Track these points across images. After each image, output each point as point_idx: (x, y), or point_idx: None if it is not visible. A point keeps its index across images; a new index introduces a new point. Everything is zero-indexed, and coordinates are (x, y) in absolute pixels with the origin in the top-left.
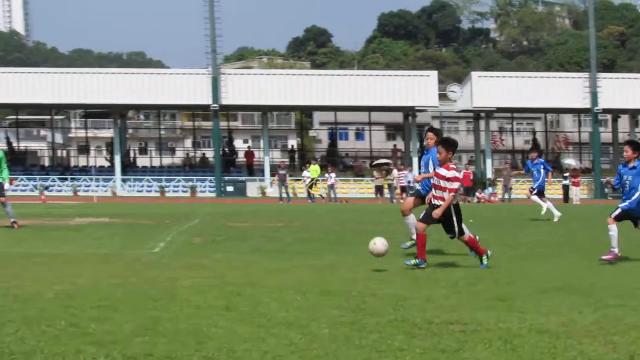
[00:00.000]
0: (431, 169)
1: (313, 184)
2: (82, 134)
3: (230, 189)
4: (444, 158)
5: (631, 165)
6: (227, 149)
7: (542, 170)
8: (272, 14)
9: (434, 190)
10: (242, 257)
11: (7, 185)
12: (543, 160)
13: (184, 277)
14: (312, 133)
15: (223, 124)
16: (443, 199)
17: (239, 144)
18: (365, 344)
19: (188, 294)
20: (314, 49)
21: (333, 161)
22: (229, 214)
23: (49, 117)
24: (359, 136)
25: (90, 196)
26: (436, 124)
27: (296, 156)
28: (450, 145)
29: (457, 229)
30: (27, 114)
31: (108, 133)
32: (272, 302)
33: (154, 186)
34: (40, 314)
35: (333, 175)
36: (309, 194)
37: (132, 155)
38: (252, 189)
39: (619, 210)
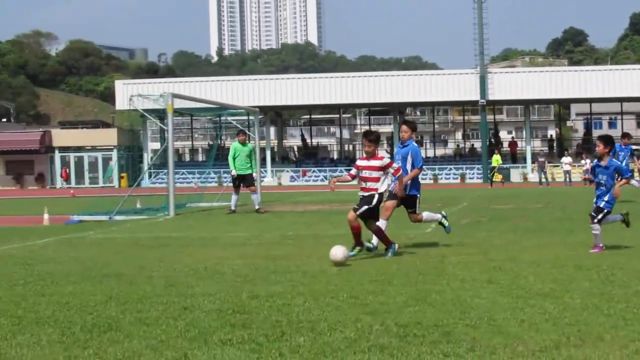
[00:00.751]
0: (408, 165)
1: (494, 172)
2: (366, 129)
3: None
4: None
5: (604, 163)
6: (492, 140)
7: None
8: (533, 17)
9: (363, 183)
10: (503, 236)
11: (255, 175)
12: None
13: (451, 254)
14: (569, 123)
15: (489, 117)
16: (375, 190)
17: (503, 134)
18: (613, 312)
19: (454, 268)
20: (570, 47)
21: (588, 149)
22: (493, 197)
23: (337, 116)
24: (612, 125)
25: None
26: None
27: (554, 144)
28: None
29: (362, 212)
30: (319, 113)
31: (388, 128)
32: (529, 275)
33: (427, 174)
34: (324, 287)
35: (587, 161)
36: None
37: None
38: (515, 175)
39: (605, 212)
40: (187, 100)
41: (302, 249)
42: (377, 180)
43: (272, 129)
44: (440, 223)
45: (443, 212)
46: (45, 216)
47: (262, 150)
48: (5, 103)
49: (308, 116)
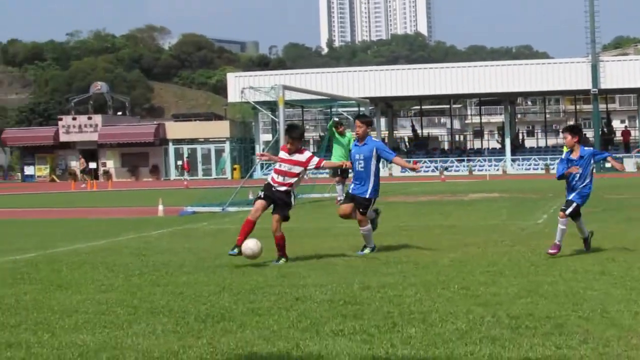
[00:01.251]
0: (373, 164)
1: None
2: (476, 119)
3: (607, 165)
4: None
5: (575, 155)
6: (605, 129)
7: None
8: None
9: (278, 177)
10: (617, 226)
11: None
12: None
13: (564, 245)
14: None
15: (601, 106)
16: (290, 185)
17: (616, 124)
18: None
19: (566, 260)
20: None
21: None
22: (606, 187)
23: (448, 106)
24: None
25: (483, 174)
26: None
27: None
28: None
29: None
30: (430, 103)
31: (499, 118)
32: None
33: (539, 164)
34: (436, 278)
35: None
36: None
37: (520, 137)
38: (629, 164)
39: (574, 205)
40: (298, 92)
41: (413, 239)
42: (295, 175)
43: (383, 120)
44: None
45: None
46: (160, 207)
47: None
48: (120, 97)
49: (418, 107)
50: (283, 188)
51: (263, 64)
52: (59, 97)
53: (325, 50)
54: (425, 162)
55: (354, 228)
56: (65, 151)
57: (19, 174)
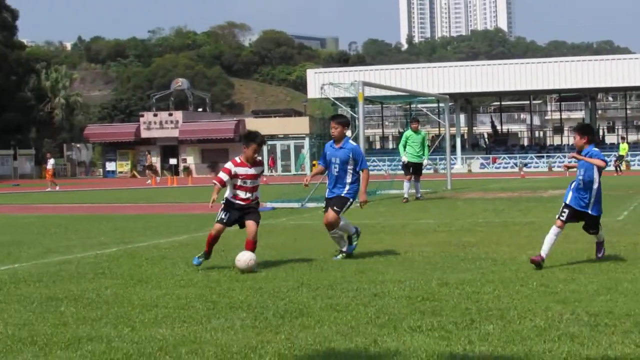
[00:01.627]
0: (350, 168)
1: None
2: (556, 115)
3: None
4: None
5: (582, 154)
6: None
7: None
8: None
9: (246, 194)
10: None
11: (425, 163)
12: None
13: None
14: None
15: None
16: (257, 198)
17: None
18: None
19: None
20: None
21: None
22: None
23: (527, 102)
24: None
25: (562, 171)
26: None
27: None
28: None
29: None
30: (509, 99)
31: (579, 114)
32: None
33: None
34: (514, 275)
35: None
36: None
37: (600, 133)
38: None
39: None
40: (378, 88)
41: (491, 236)
42: (257, 189)
43: (462, 116)
44: (349, 237)
45: (358, 229)
46: None
47: (452, 137)
48: (201, 93)
49: (498, 103)
50: (252, 204)
51: (343, 60)
52: (140, 93)
53: (405, 46)
54: (504, 158)
55: (432, 224)
56: (146, 147)
57: (101, 169)
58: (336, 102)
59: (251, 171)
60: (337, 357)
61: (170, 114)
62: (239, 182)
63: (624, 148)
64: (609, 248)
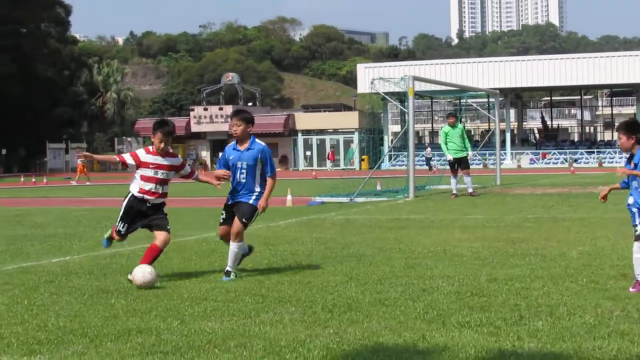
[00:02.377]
0: (258, 171)
1: None
2: (607, 111)
3: None
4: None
5: (634, 161)
6: None
7: None
8: None
9: (156, 187)
10: None
11: (470, 154)
12: None
13: None
14: None
15: None
16: (166, 195)
17: None
18: None
19: None
20: None
21: None
22: None
23: (578, 97)
24: None
25: (613, 167)
26: None
27: None
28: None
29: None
30: (560, 94)
31: (631, 109)
32: None
33: None
34: (564, 272)
35: None
36: None
37: None
38: None
39: None
40: (428, 83)
41: (541, 232)
42: (167, 184)
43: (512, 111)
44: (243, 255)
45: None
46: (289, 197)
47: (502, 132)
48: (251, 87)
49: (548, 98)
50: (159, 200)
51: (392, 55)
52: (191, 88)
53: (456, 41)
54: (554, 154)
55: (481, 220)
56: (196, 141)
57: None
58: (386, 96)
59: (163, 162)
60: (385, 352)
61: (221, 108)
62: (149, 173)
63: None
64: None
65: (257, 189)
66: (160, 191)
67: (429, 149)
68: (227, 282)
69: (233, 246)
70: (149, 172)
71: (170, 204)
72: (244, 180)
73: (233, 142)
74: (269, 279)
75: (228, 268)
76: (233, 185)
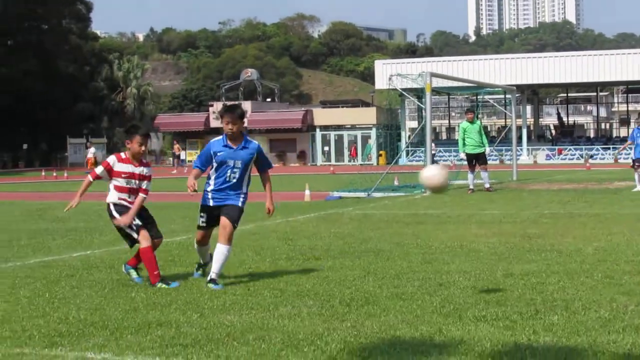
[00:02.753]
0: (248, 171)
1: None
2: (623, 107)
3: None
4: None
5: None
6: None
7: None
8: None
9: (130, 196)
10: None
11: (488, 150)
12: None
13: None
14: None
15: None
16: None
17: None
18: None
19: None
20: None
21: None
22: None
23: (594, 94)
24: None
25: (629, 163)
26: None
27: None
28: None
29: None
30: (576, 91)
31: None
32: None
33: None
34: (579, 267)
35: None
36: None
37: None
38: None
39: None
40: (445, 79)
41: (557, 227)
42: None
43: (529, 108)
44: (199, 264)
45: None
46: (307, 192)
47: (519, 128)
48: (269, 83)
49: (564, 95)
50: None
51: (410, 51)
52: (210, 83)
53: (473, 38)
54: (570, 149)
55: (497, 215)
56: (215, 137)
57: (170, 158)
58: (404, 92)
59: (136, 170)
60: (402, 345)
61: (240, 104)
62: (120, 182)
63: None
64: None
65: (245, 190)
66: (130, 198)
67: (432, 144)
68: (244, 278)
69: (224, 248)
70: (121, 182)
71: (192, 199)
72: (234, 180)
73: (221, 138)
74: (287, 273)
75: (214, 274)
76: (217, 185)
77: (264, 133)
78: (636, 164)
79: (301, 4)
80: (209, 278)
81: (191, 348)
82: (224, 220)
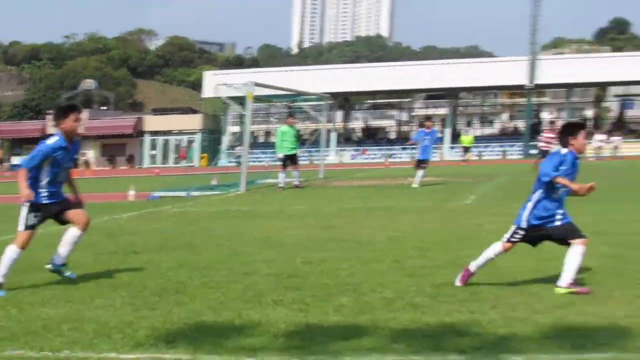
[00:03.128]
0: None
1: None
2: (422, 112)
3: (533, 151)
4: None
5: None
6: (535, 120)
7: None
8: (583, 7)
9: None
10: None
11: (299, 152)
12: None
13: (487, 223)
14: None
15: (535, 100)
16: None
17: (544, 115)
18: (625, 273)
19: (488, 235)
20: (615, 35)
21: (620, 126)
22: (531, 172)
23: (397, 100)
24: None
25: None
26: None
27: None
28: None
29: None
30: (384, 98)
31: (443, 110)
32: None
33: (474, 152)
34: (372, 254)
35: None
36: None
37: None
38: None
39: None
40: (267, 88)
41: (355, 219)
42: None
43: (340, 113)
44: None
45: None
46: (131, 192)
47: (329, 132)
48: (106, 93)
49: (372, 101)
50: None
51: (238, 63)
52: (51, 94)
53: (296, 50)
54: (373, 150)
55: (304, 210)
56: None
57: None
58: (227, 100)
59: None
60: (206, 329)
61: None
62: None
63: (466, 140)
64: (456, 229)
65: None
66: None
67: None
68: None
69: (80, 234)
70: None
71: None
72: (64, 178)
73: (58, 139)
74: (107, 267)
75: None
76: (57, 186)
77: (98, 139)
78: (421, 164)
79: (142, 19)
80: None
81: (7, 341)
82: (80, 212)
